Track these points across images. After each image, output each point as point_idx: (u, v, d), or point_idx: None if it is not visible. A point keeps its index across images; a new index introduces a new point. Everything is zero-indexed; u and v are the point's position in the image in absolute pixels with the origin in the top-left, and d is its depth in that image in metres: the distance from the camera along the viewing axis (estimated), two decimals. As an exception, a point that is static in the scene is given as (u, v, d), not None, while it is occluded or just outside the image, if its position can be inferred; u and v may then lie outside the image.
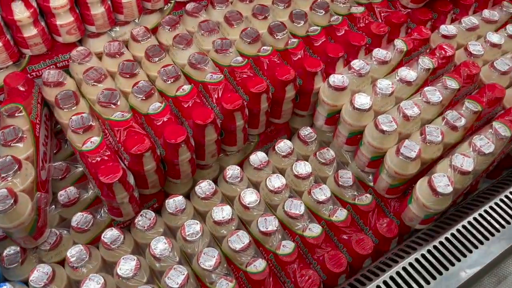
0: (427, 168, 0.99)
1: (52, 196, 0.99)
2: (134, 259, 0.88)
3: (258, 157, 1.06)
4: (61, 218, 0.99)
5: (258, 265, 0.91)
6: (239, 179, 1.02)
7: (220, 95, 0.98)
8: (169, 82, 0.99)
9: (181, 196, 0.99)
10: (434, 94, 1.00)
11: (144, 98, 0.96)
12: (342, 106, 1.03)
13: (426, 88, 1.01)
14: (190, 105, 0.95)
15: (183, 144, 0.90)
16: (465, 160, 0.90)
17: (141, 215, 0.96)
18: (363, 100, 0.99)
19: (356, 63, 1.05)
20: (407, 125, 0.98)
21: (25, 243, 0.87)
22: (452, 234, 0.92)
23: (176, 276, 0.87)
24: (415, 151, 0.92)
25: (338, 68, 1.09)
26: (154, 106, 0.95)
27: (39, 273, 0.86)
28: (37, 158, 0.89)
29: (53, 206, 0.98)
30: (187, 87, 0.97)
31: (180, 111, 0.96)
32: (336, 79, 1.02)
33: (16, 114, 0.91)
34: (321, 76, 1.05)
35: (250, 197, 0.99)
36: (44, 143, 0.95)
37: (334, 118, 1.07)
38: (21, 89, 0.96)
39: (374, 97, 1.01)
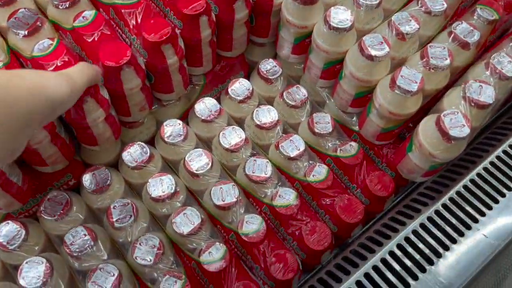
0: (430, 102, 0.75)
1: None
2: (43, 262, 0.64)
3: (206, 105, 0.79)
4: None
5: (215, 252, 0.68)
6: (182, 137, 0.75)
7: (139, 22, 0.68)
8: (63, 7, 0.68)
9: (103, 168, 0.72)
10: (436, 0, 0.73)
11: (26, 34, 0.66)
12: (313, 26, 0.76)
13: (425, -7, 0.74)
14: (96, 39, 0.65)
15: (88, 98, 0.61)
16: (483, 89, 0.66)
17: (48, 199, 0.70)
18: (341, 15, 0.71)
19: (329, -36, 0.76)
20: (403, 47, 0.72)
21: None
22: (465, 187, 0.71)
23: (103, 279, 0.64)
24: (416, 82, 0.67)
25: (304, -26, 0.80)
26: (42, 45, 0.65)
27: None
28: None
29: None
30: (89, 14, 0.67)
31: (84, 50, 0.67)
32: (303, -12, 0.73)
33: None
34: (282, -14, 0.77)
35: (198, 160, 0.73)
36: None
37: (303, 44, 0.80)
38: None
39: (356, 10, 0.73)
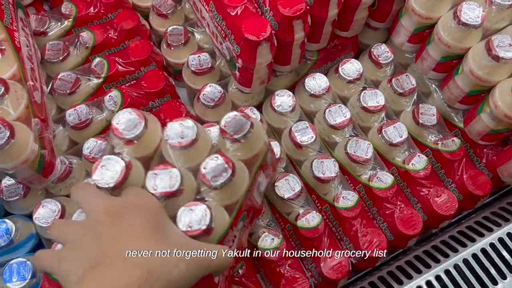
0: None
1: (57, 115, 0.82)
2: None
3: (316, 81, 0.82)
4: (71, 141, 0.81)
5: (311, 220, 0.73)
6: (290, 108, 0.80)
7: (275, -5, 0.72)
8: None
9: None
10: None
11: None
12: (438, 18, 0.76)
13: (563, -1, 0.72)
14: (239, 12, 0.70)
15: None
16: None
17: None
18: (473, 12, 0.71)
19: (466, -43, 0.75)
20: (531, 51, 0.71)
21: (33, 184, 0.70)
22: None
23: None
24: (542, 89, 0.67)
25: (436, -35, 0.80)
26: None
27: (46, 209, 0.71)
28: (24, 75, 0.68)
29: (61, 127, 0.80)
30: None
31: (224, 20, 0.71)
32: (436, -21, 0.74)
33: None
34: (413, -25, 0.77)
35: (304, 133, 0.78)
36: (29, 56, 0.73)
37: (422, 34, 0.81)
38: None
39: (488, 8, 0.73)
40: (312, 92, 0.81)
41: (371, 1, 0.78)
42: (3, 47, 0.68)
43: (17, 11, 0.77)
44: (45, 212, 0.71)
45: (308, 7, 0.73)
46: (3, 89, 0.62)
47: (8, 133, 0.60)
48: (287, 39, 0.73)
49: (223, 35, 0.74)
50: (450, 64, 0.78)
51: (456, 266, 0.67)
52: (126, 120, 0.56)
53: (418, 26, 0.79)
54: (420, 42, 0.82)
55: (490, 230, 0.70)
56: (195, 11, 0.84)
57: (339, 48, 0.88)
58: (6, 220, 0.71)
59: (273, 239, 0.72)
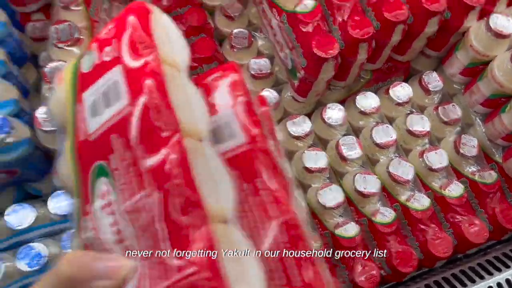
0: None
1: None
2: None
3: (368, 99, 0.86)
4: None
5: (350, 230, 0.78)
6: (340, 122, 0.84)
7: (346, 17, 0.76)
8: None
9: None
10: None
11: None
12: (493, 57, 0.80)
13: None
14: (311, 29, 0.74)
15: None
16: None
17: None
18: (530, 56, 0.75)
19: (530, 3, 0.79)
20: None
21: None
22: None
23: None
24: None
25: (498, 6, 0.83)
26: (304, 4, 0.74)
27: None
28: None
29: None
30: (310, 3, 0.75)
31: (295, 33, 0.76)
32: (499, 20, 0.77)
33: (71, 7, 0.73)
34: (476, 13, 0.81)
35: (350, 147, 0.82)
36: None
37: (475, 69, 0.84)
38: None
39: (544, 55, 0.77)
40: (362, 110, 0.86)
41: (433, 32, 0.81)
42: (81, 37, 0.72)
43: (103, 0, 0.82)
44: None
45: (374, 31, 0.77)
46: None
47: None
48: (350, 58, 0.78)
49: (290, 47, 0.79)
50: (498, 101, 0.82)
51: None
52: None
53: (473, 61, 0.83)
54: (471, 76, 0.86)
55: (517, 262, 0.75)
56: (263, 18, 0.88)
57: (392, 70, 0.92)
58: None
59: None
